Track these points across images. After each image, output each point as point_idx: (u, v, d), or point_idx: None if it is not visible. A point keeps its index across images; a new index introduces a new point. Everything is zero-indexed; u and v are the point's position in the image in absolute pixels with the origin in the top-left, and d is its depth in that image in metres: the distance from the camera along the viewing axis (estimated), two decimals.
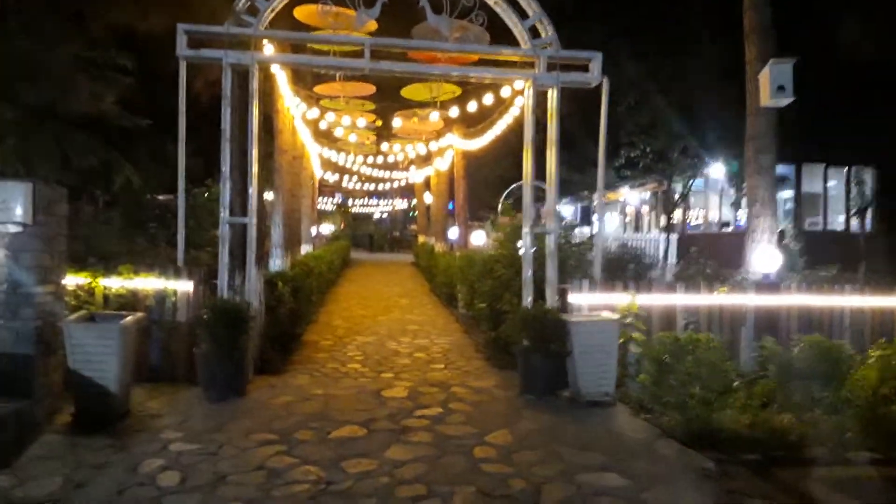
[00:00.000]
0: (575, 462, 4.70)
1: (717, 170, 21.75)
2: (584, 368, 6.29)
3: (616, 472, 4.55)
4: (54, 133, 9.56)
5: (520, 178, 24.03)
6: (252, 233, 6.61)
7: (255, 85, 6.65)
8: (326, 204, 34.83)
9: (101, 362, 5.30)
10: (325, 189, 34.11)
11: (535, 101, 6.98)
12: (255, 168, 6.66)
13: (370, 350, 8.33)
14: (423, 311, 12.17)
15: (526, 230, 7.03)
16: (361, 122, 10.45)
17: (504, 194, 28.99)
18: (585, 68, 7.13)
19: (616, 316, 6.61)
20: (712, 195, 23.51)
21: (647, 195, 27.40)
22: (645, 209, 28.31)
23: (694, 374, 5.91)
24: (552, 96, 7.03)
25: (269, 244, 9.70)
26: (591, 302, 7.14)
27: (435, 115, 9.39)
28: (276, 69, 8.23)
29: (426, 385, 6.66)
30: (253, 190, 6.62)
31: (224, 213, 6.57)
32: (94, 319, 5.79)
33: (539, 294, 7.01)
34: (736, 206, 22.35)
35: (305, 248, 13.67)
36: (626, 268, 10.54)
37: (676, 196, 23.11)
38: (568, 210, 32.49)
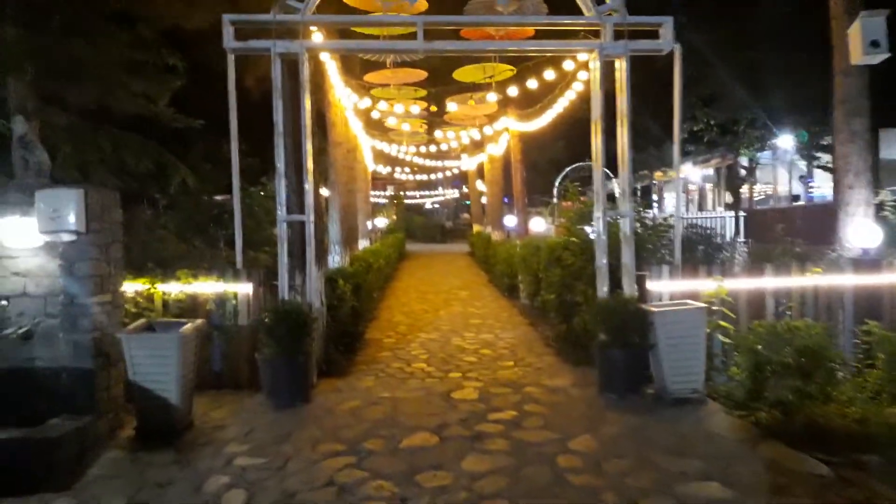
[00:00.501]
0: (671, 470, 4.23)
1: (784, 140, 20.58)
2: (670, 363, 5.78)
3: (719, 480, 4.07)
4: (110, 137, 9.51)
5: (573, 160, 23.27)
6: (310, 230, 6.33)
7: (305, 74, 6.35)
8: (379, 197, 34.77)
9: (161, 373, 5.10)
10: (378, 181, 34.05)
11: (603, 73, 6.45)
12: (309, 163, 6.36)
13: (434, 347, 7.99)
14: (484, 304, 11.77)
15: (598, 214, 6.53)
16: (415, 109, 10.07)
17: (559, 178, 28.28)
18: (654, 35, 6.56)
19: (703, 304, 6.06)
20: (780, 168, 22.32)
21: (709, 171, 26.25)
22: (708, 186, 27.15)
23: (794, 366, 5.35)
24: (621, 67, 6.49)
25: (327, 241, 9.46)
26: (671, 289, 6.61)
27: (492, 97, 8.92)
28: (325, 58, 7.93)
29: (497, 385, 6.26)
30: (309, 185, 6.34)
31: (281, 212, 6.30)
32: (153, 328, 5.61)
33: (614, 283, 6.50)
34: (806, 178, 21.12)
35: (363, 243, 13.45)
36: (694, 249, 9.85)
37: (742, 171, 22.00)
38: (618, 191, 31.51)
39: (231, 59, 6.46)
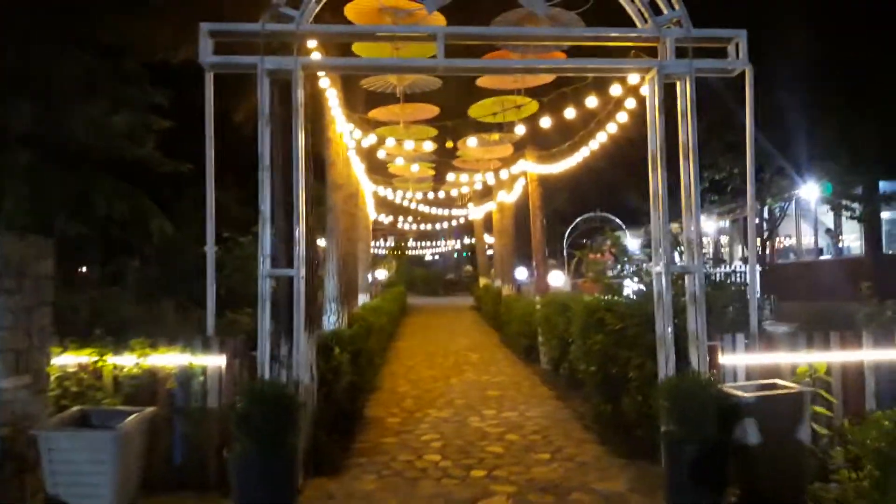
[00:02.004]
0: None
1: (808, 191, 19.48)
2: (765, 462, 4.42)
3: None
4: (81, 179, 8.31)
5: (579, 212, 22.07)
6: (300, 287, 5.05)
7: (300, 97, 5.17)
8: (380, 248, 33.58)
9: (93, 483, 3.75)
10: (379, 231, 32.93)
11: (661, 98, 5.27)
12: (302, 204, 5.12)
13: (449, 431, 6.58)
14: (500, 370, 10.38)
15: (658, 268, 5.25)
16: (428, 146, 8.92)
17: (568, 230, 27.15)
18: (719, 52, 5.44)
19: (805, 387, 4.74)
20: (803, 220, 21.15)
21: (725, 223, 25.10)
22: (724, 239, 25.97)
23: None
24: (684, 89, 5.32)
25: (322, 299, 8.15)
26: (748, 363, 5.30)
27: (520, 129, 7.77)
28: (324, 84, 6.79)
29: (535, 490, 4.87)
30: (300, 232, 5.08)
31: (264, 265, 5.02)
32: (88, 419, 4.26)
33: (678, 354, 5.19)
34: (833, 231, 19.93)
35: (362, 298, 12.14)
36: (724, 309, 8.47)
37: (764, 222, 20.86)
38: (635, 243, 30.28)
39: (209, 78, 5.29)
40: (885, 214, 18.49)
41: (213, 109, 5.36)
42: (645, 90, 5.67)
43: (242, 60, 5.14)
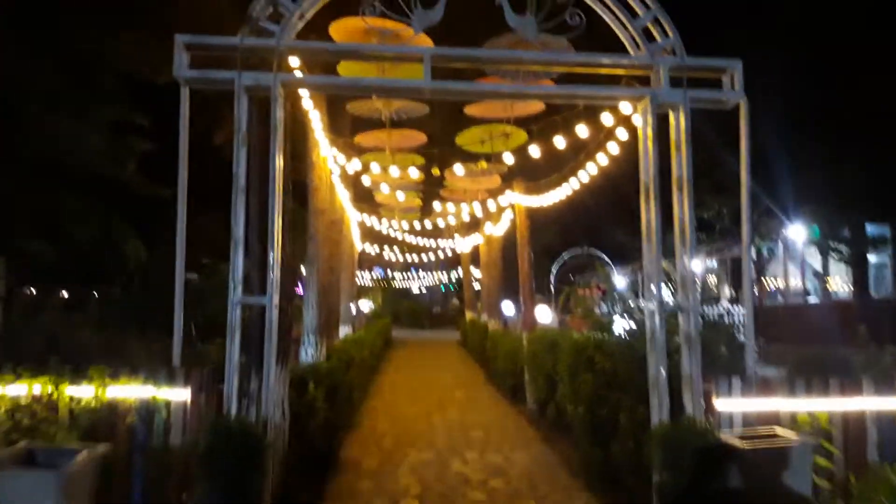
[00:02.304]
0: None
1: (795, 232, 19.49)
2: None
3: None
4: (47, 197, 7.98)
5: (566, 246, 21.84)
6: (272, 317, 4.73)
7: (279, 115, 4.93)
8: (366, 279, 33.21)
9: None
10: (365, 262, 32.59)
11: (655, 128, 5.09)
12: (278, 228, 4.84)
13: (429, 475, 6.21)
14: (484, 409, 10.02)
15: (651, 306, 4.99)
16: (414, 172, 8.71)
17: (556, 265, 26.98)
18: (712, 83, 5.30)
19: (806, 437, 4.47)
20: (790, 262, 21.13)
21: (712, 263, 25.05)
22: (711, 279, 25.89)
23: None
24: (679, 120, 5.14)
25: (300, 330, 7.82)
26: (745, 409, 5.03)
27: (508, 157, 7.58)
28: (307, 105, 6.55)
29: None
30: (275, 258, 4.78)
31: (234, 292, 4.71)
32: (34, 457, 3.89)
33: (671, 397, 4.90)
34: (820, 273, 19.90)
35: (344, 330, 11.78)
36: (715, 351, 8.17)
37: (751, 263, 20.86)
38: (619, 282, 30.10)
39: (185, 93, 5.05)
40: (871, 258, 18.50)
41: (188, 126, 5.11)
42: (637, 120, 5.50)
43: (219, 75, 4.90)
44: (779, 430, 4.62)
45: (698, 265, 25.44)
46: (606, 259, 23.78)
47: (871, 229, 17.50)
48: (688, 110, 5.10)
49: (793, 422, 4.96)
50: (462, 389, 11.99)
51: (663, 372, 4.82)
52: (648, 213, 5.14)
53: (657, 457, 4.54)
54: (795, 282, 21.42)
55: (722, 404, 5.01)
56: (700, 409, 4.77)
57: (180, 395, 4.88)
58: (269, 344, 4.68)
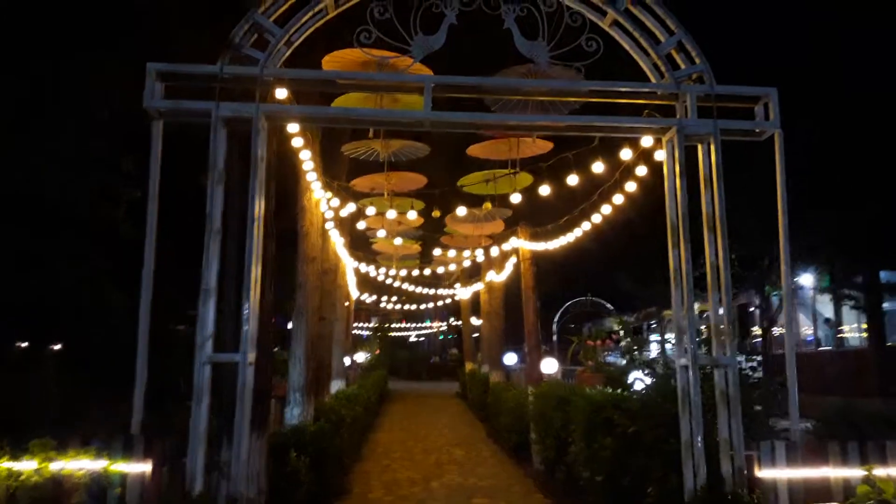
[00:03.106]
0: None
1: (806, 280, 18.94)
2: None
3: None
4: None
5: (568, 297, 21.06)
6: (247, 377, 4.10)
7: (260, 151, 4.42)
8: (362, 329, 32.45)
9: None
10: (361, 312, 31.87)
11: (682, 161, 4.56)
12: (256, 276, 4.26)
13: None
14: (488, 471, 9.22)
15: (683, 360, 4.37)
16: (412, 215, 8.16)
17: (558, 315, 26.26)
18: (743, 112, 4.81)
19: None
20: (803, 310, 20.48)
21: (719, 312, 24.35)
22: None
23: None
24: (706, 152, 4.64)
25: (285, 387, 7.14)
26: (791, 477, 4.37)
27: (516, 197, 7.05)
28: (297, 143, 6.03)
29: None
30: (251, 309, 4.18)
31: (202, 348, 4.09)
32: None
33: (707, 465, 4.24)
34: (832, 321, 19.24)
35: (337, 385, 11.07)
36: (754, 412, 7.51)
37: (756, 310, 20.17)
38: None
39: (157, 127, 4.55)
40: (885, 305, 17.89)
41: (159, 161, 4.60)
42: (661, 155, 4.99)
43: (195, 106, 4.42)
44: None
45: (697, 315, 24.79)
46: (610, 307, 23.13)
47: (885, 276, 16.94)
48: (718, 142, 4.59)
49: (847, 492, 4.30)
50: (462, 448, 11.19)
51: (700, 438, 4.17)
52: (677, 257, 4.57)
53: None
54: (805, 330, 20.74)
55: (765, 473, 4.35)
56: (743, 479, 4.11)
57: (139, 468, 4.21)
58: (242, 408, 4.05)
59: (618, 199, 6.80)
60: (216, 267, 4.25)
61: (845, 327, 19.52)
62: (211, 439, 4.32)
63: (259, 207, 4.34)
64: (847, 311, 18.82)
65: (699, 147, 4.76)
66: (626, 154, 5.86)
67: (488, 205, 7.75)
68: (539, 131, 5.57)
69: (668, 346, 22.08)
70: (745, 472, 4.12)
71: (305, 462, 5.24)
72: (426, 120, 4.56)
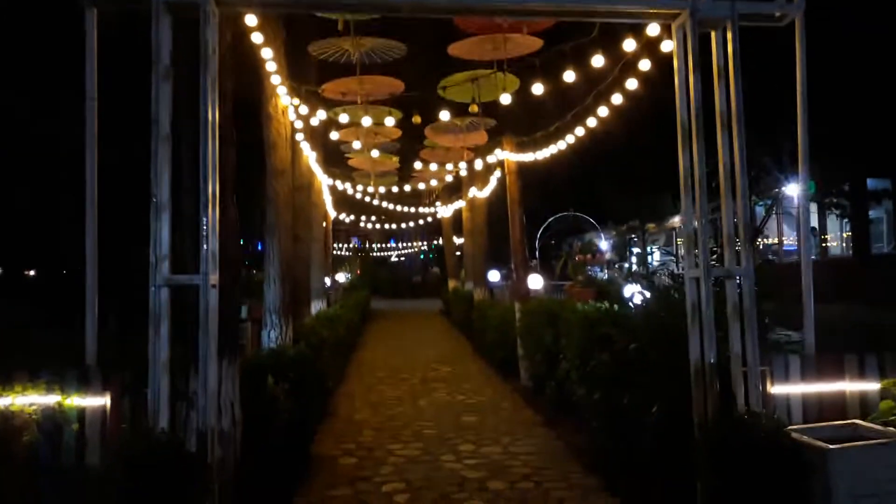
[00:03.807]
0: None
1: (792, 190, 18.70)
2: None
3: None
4: None
5: (551, 212, 20.71)
6: (209, 300, 3.65)
7: (211, 42, 3.79)
8: (342, 250, 32.04)
9: None
10: (341, 232, 31.39)
11: (697, 49, 4.03)
12: (213, 187, 3.73)
13: (417, 476, 5.23)
14: (475, 387, 9.05)
15: (693, 272, 3.99)
16: (390, 121, 7.54)
17: (540, 231, 25.96)
18: None
19: None
20: (787, 220, 20.40)
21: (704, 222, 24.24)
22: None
23: None
24: (721, 41, 4.10)
25: (261, 311, 6.73)
26: (805, 392, 4.11)
27: (505, 97, 6.42)
28: (258, 39, 5.34)
29: None
30: (209, 224, 3.67)
31: (158, 270, 3.61)
32: None
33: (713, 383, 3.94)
34: (817, 231, 19.21)
35: (318, 306, 10.71)
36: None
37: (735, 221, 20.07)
38: (606, 245, 29.18)
39: (91, 17, 3.90)
40: (871, 213, 17.79)
41: (95, 60, 3.98)
42: (667, 46, 4.43)
43: None
44: (861, 424, 3.69)
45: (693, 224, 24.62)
46: (593, 222, 22.87)
47: (872, 183, 16.74)
48: (736, 28, 4.04)
49: (864, 407, 4.06)
50: (448, 365, 11.03)
51: (713, 355, 3.83)
52: (688, 159, 4.11)
53: (708, 460, 3.59)
54: (787, 240, 20.75)
55: (779, 390, 4.08)
56: (758, 398, 3.81)
57: (97, 401, 3.81)
58: (206, 334, 3.61)
59: (616, 99, 6.22)
60: (168, 178, 3.71)
61: (828, 236, 19.53)
62: (178, 369, 3.92)
63: (211, 109, 3.75)
64: (830, 222, 18.75)
65: (712, 35, 4.23)
66: (627, 46, 5.27)
67: (475, 107, 7.15)
68: (530, 17, 4.94)
69: (651, 258, 22.00)
70: (760, 389, 3.83)
71: (284, 388, 4.89)
72: (403, 5, 3.94)
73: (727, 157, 4.08)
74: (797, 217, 20.33)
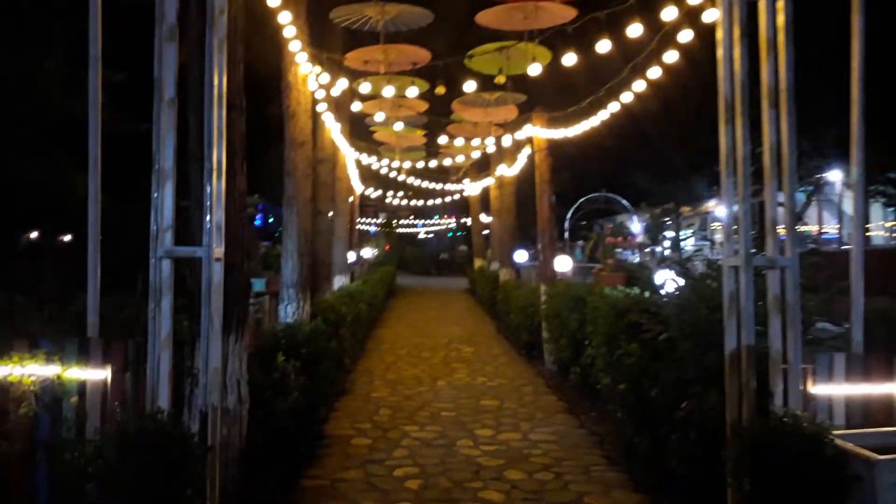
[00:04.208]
0: None
1: (834, 176, 17.96)
2: None
3: None
4: None
5: (580, 194, 20.17)
6: (212, 273, 3.46)
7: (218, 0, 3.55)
8: (369, 225, 31.94)
9: None
10: (369, 208, 31.27)
11: (745, 16, 3.68)
12: (219, 155, 3.52)
13: (432, 462, 5.05)
14: (497, 369, 8.83)
15: (733, 260, 3.68)
16: (412, 91, 7.24)
17: (570, 212, 25.49)
18: None
19: None
20: (827, 207, 19.67)
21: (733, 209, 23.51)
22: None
23: None
24: (771, 9, 3.74)
25: (278, 285, 6.58)
26: (850, 394, 3.79)
27: (534, 69, 6.06)
28: (273, 1, 5.10)
29: None
30: (214, 193, 3.47)
31: (158, 241, 3.42)
32: None
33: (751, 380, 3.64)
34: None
35: (341, 281, 10.56)
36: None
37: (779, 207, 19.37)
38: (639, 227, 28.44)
39: None
40: None
41: (99, 19, 3.81)
42: (710, 15, 4.07)
43: None
44: None
45: (722, 211, 23.91)
46: (626, 203, 22.30)
47: None
48: None
49: None
50: (471, 345, 10.82)
51: (749, 351, 3.53)
52: (731, 137, 3.77)
53: (741, 465, 3.31)
54: (828, 228, 20.00)
55: (821, 390, 3.77)
56: (798, 399, 3.51)
57: (98, 374, 3.67)
58: (207, 308, 3.43)
59: (653, 73, 5.84)
60: (173, 144, 3.50)
61: (870, 225, 18.74)
62: (184, 344, 3.78)
63: (218, 72, 3.52)
64: (874, 210, 17.97)
65: (760, 4, 3.86)
66: (667, 15, 4.89)
67: (501, 77, 6.80)
68: None
69: (684, 244, 21.35)
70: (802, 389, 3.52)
71: (295, 366, 4.72)
72: None
73: (773, 136, 3.74)
74: (839, 205, 19.67)
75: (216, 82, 3.50)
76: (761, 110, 3.80)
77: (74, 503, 3.32)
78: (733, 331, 3.61)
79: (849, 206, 19.40)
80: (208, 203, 3.42)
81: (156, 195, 3.42)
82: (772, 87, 3.77)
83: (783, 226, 3.76)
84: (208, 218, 3.42)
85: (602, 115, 7.18)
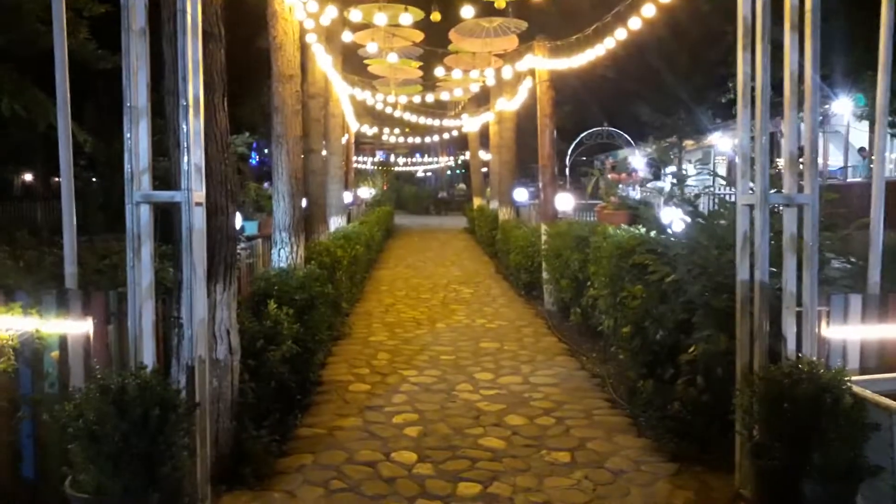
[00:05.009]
0: None
1: (841, 106, 17.43)
2: None
3: None
4: None
5: (581, 129, 19.65)
6: (194, 219, 3.23)
7: None
8: (366, 164, 31.40)
9: None
10: (365, 146, 30.72)
11: None
12: (194, 88, 3.23)
13: (431, 407, 4.95)
14: (497, 311, 8.72)
15: (748, 198, 3.45)
16: (406, 18, 6.83)
17: (571, 147, 24.93)
18: None
19: None
20: (832, 138, 19.19)
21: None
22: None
23: None
24: None
25: (270, 228, 6.36)
26: (865, 337, 3.63)
27: None
28: None
29: None
30: (191, 131, 3.20)
31: (135, 184, 3.18)
32: None
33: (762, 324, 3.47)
34: (867, 151, 18.01)
35: (336, 222, 10.33)
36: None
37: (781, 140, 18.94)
38: (642, 162, 27.92)
39: None
40: None
41: None
42: None
43: None
44: None
45: (726, 143, 23.43)
46: (628, 138, 21.78)
47: None
48: None
49: None
50: (470, 286, 10.70)
51: (763, 292, 3.35)
52: (749, 64, 3.48)
53: (751, 412, 3.18)
54: (836, 160, 19.58)
55: (835, 332, 3.61)
56: (813, 343, 3.35)
57: (79, 327, 3.50)
58: (189, 255, 3.21)
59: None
60: (145, 79, 3.21)
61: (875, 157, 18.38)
62: (173, 294, 3.60)
63: None
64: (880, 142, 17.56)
65: None
66: None
67: (502, 1, 6.39)
68: None
69: (688, 179, 20.97)
70: (817, 332, 3.36)
71: (289, 313, 4.55)
72: None
73: (795, 63, 3.44)
74: (846, 136, 19.22)
75: (188, 9, 3.18)
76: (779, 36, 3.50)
77: (60, 462, 3.21)
78: (746, 272, 3.42)
79: (855, 139, 18.99)
80: (185, 143, 3.16)
81: (128, 136, 3.15)
82: (795, 7, 3.45)
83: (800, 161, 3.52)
84: (186, 159, 3.16)
85: (608, 44, 6.79)
